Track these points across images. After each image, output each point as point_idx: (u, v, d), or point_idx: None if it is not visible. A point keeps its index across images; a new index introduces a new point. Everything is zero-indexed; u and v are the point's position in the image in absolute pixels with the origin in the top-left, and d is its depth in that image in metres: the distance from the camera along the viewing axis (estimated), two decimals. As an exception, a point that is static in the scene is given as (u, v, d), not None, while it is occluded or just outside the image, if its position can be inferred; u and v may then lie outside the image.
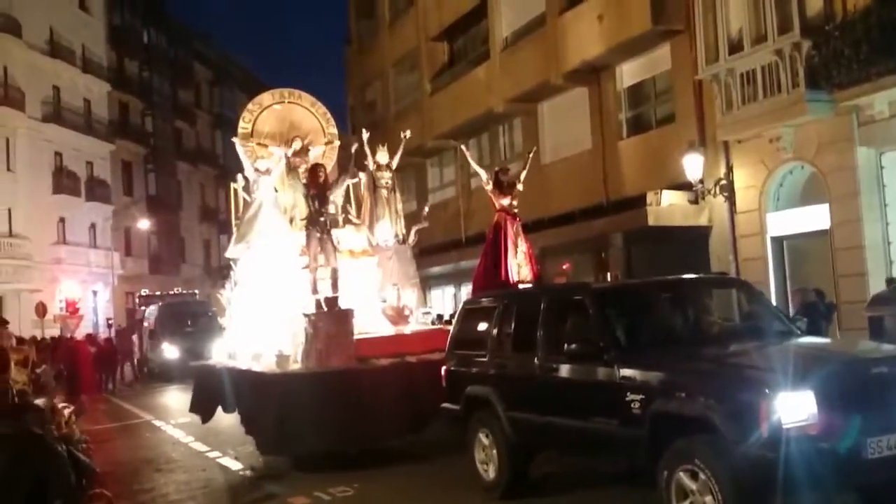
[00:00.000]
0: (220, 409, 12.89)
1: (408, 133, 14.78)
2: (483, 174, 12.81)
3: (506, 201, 12.10)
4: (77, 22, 42.68)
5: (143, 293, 38.87)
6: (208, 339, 14.01)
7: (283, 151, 13.44)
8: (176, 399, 14.69)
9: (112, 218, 44.00)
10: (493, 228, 12.19)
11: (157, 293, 38.16)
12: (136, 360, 31.76)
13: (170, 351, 27.14)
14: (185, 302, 33.79)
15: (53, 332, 29.83)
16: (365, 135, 14.15)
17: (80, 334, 29.38)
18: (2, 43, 36.85)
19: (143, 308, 35.44)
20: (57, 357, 19.32)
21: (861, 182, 13.81)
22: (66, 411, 8.90)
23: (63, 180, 40.60)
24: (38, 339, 22.98)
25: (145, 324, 32.24)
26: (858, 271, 13.71)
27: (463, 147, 14.35)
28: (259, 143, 13.74)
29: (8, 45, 37.08)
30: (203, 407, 13.19)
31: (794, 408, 5.41)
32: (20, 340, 13.77)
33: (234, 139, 13.88)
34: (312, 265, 11.52)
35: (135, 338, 32.89)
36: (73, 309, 34.44)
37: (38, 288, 36.02)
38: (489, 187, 12.31)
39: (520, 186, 12.33)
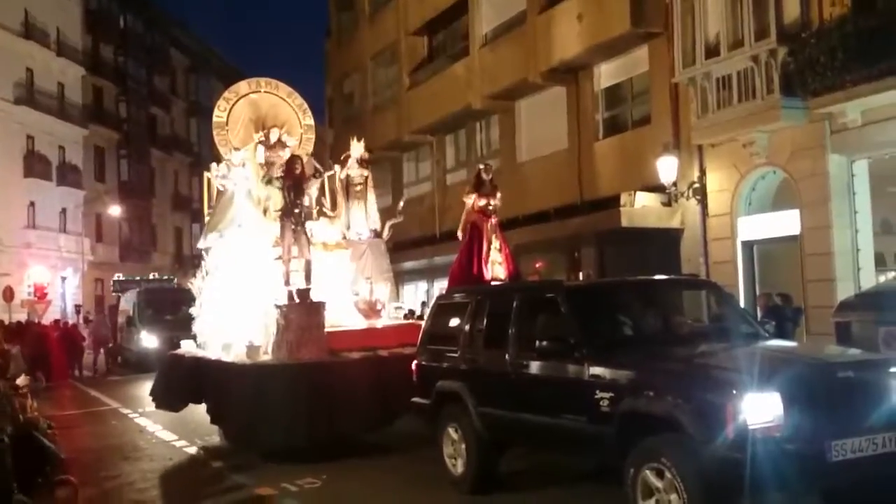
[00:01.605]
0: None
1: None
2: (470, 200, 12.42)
3: (482, 202, 12.04)
4: (53, 4, 42.04)
5: (117, 278, 37.76)
6: (189, 328, 13.78)
7: (259, 138, 13.42)
8: (148, 389, 14.57)
9: (83, 203, 43.49)
10: (470, 228, 12.15)
11: (134, 278, 37.09)
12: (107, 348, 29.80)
13: (148, 340, 25.63)
14: (164, 288, 32.19)
15: (20, 316, 29.43)
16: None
17: (47, 320, 29.03)
18: (-26, 23, 36.31)
19: (117, 294, 34.20)
20: (25, 342, 19.10)
21: (832, 189, 13.98)
22: (26, 401, 8.80)
23: (34, 164, 40.03)
24: (6, 323, 22.71)
25: (120, 310, 30.81)
26: (827, 277, 13.89)
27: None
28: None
29: (-19, 25, 36.56)
30: (169, 396, 13.10)
31: (760, 409, 5.48)
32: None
33: (237, 147, 13.58)
34: (286, 257, 11.48)
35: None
36: (41, 294, 33.95)
37: (6, 272, 35.49)
38: (469, 198, 12.10)
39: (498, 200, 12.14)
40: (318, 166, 12.60)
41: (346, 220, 13.88)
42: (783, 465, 5.44)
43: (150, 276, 38.61)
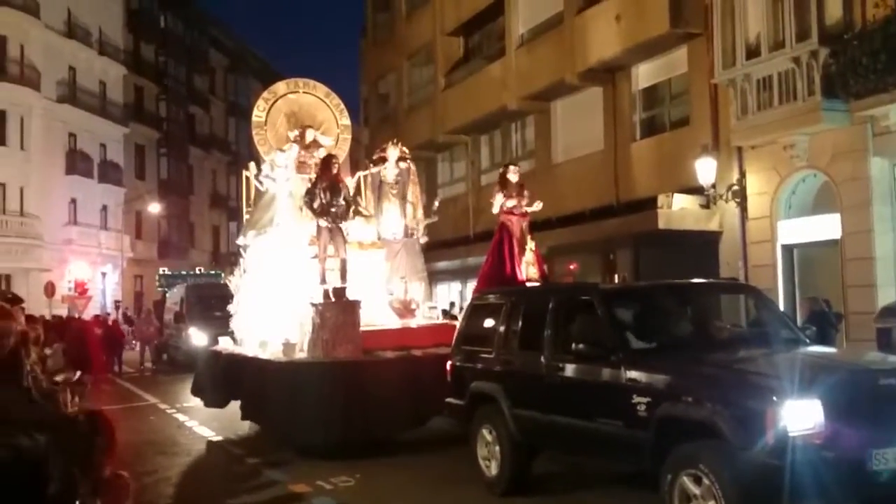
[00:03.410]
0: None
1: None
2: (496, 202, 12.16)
3: (511, 203, 11.99)
4: (95, 4, 42.79)
5: (163, 272, 37.45)
6: None
7: (294, 136, 13.55)
8: (188, 386, 14.77)
9: (124, 201, 44.14)
10: (499, 229, 12.12)
11: (180, 273, 36.66)
12: (153, 346, 28.23)
13: (198, 337, 23.53)
14: (212, 284, 30.05)
15: (61, 311, 29.89)
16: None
17: (87, 315, 29.40)
18: (20, 22, 36.98)
19: (163, 289, 33.50)
20: (66, 337, 19.37)
21: (874, 193, 13.76)
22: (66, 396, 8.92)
23: (76, 161, 40.79)
24: (46, 318, 23.02)
25: (167, 306, 29.57)
26: (868, 282, 13.67)
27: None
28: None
29: (26, 24, 37.22)
30: (209, 392, 13.28)
31: (800, 416, 5.41)
32: (30, 318, 13.85)
33: (282, 149, 13.57)
34: (322, 255, 11.54)
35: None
36: (81, 290, 34.51)
37: (47, 267, 36.18)
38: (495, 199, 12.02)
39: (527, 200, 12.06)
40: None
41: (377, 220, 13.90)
42: (823, 473, 5.36)
43: (197, 271, 38.28)
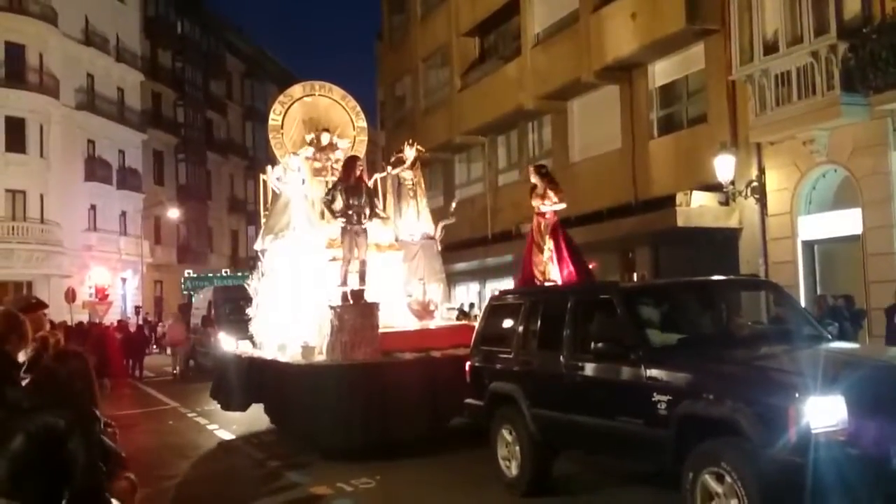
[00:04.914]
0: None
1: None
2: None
3: (536, 202, 11.95)
4: (112, 12, 43.16)
5: (188, 274, 37.08)
6: None
7: (310, 139, 13.58)
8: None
9: (142, 206, 44.42)
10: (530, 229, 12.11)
11: (207, 274, 36.16)
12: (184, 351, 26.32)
13: (228, 342, 21.11)
14: (241, 286, 30.03)
15: (81, 317, 30.11)
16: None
17: (107, 320, 29.58)
18: (38, 31, 37.34)
19: (188, 292, 33.14)
20: (87, 343, 19.53)
21: (895, 187, 13.63)
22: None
23: (95, 168, 41.10)
24: (68, 324, 23.22)
25: (193, 310, 28.67)
26: (890, 278, 13.51)
27: None
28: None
29: (44, 33, 37.57)
30: (231, 395, 13.34)
31: (823, 413, 5.35)
32: (51, 324, 13.96)
33: (296, 152, 13.57)
34: (346, 256, 11.52)
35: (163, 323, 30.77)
36: (102, 295, 34.80)
37: (67, 273, 36.50)
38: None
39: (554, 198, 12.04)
40: None
41: (395, 222, 13.93)
42: (846, 470, 5.30)
43: (223, 273, 37.96)
